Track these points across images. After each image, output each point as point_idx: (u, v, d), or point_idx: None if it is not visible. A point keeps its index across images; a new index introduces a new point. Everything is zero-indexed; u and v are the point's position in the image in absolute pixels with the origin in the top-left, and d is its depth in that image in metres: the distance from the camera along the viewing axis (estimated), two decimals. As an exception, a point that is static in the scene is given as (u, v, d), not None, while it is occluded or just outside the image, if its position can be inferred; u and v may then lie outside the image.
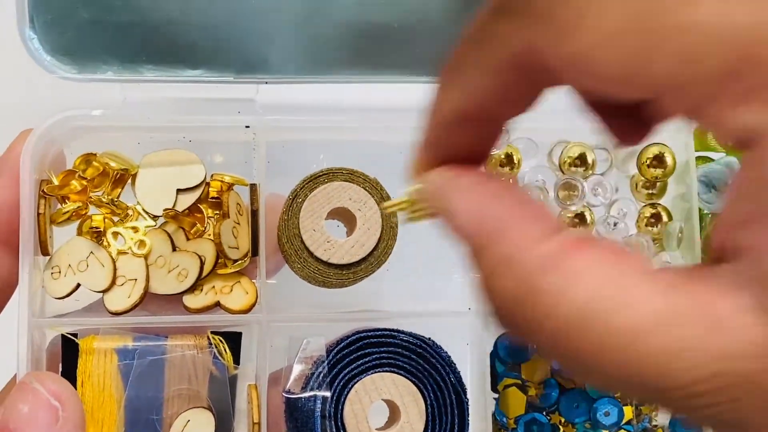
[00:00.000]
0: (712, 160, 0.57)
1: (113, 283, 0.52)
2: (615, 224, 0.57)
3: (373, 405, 0.52)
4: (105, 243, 0.54)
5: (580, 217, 0.57)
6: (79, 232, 0.54)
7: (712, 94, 0.27)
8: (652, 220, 0.57)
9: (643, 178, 0.57)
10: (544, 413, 0.54)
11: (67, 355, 0.52)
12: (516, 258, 0.30)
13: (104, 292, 0.52)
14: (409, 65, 0.56)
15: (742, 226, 0.27)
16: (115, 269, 0.53)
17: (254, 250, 0.54)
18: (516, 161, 0.57)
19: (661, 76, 0.27)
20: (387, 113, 0.55)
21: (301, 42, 0.55)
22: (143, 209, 0.54)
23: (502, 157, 0.57)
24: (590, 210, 0.57)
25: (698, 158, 0.56)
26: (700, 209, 0.56)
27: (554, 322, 0.29)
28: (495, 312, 0.32)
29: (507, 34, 0.31)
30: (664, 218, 0.57)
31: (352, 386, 0.52)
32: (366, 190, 0.53)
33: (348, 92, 0.58)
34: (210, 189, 0.55)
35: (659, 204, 0.57)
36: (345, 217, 0.54)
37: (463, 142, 0.35)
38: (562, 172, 0.57)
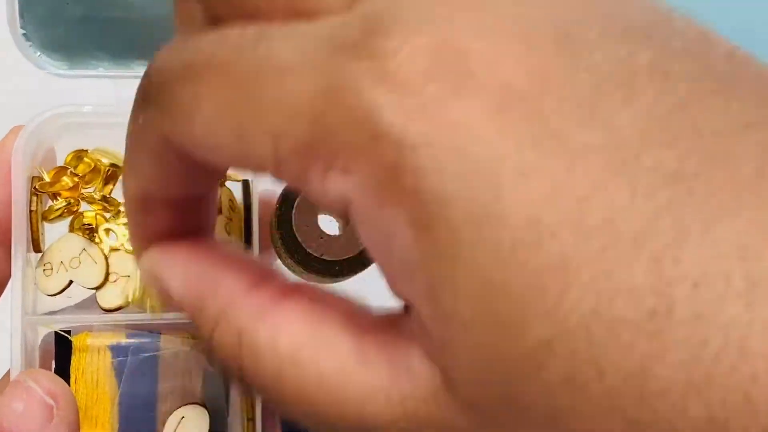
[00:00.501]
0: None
1: (106, 279, 0.52)
2: None
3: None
4: (97, 239, 0.53)
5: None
6: (71, 229, 0.54)
7: (301, 169, 0.27)
8: None
9: None
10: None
11: (60, 352, 0.52)
12: (230, 312, 0.31)
13: (97, 288, 0.52)
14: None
15: (394, 283, 0.28)
16: (107, 266, 0.52)
17: (247, 246, 0.54)
18: None
19: (261, 157, 0.28)
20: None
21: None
22: (135, 205, 0.54)
23: None
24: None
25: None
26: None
27: (267, 373, 0.30)
28: (227, 373, 0.32)
29: (146, 124, 0.33)
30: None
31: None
32: (361, 181, 0.53)
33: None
34: (203, 184, 0.55)
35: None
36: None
37: (167, 223, 0.35)
38: None
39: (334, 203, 0.27)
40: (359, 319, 0.30)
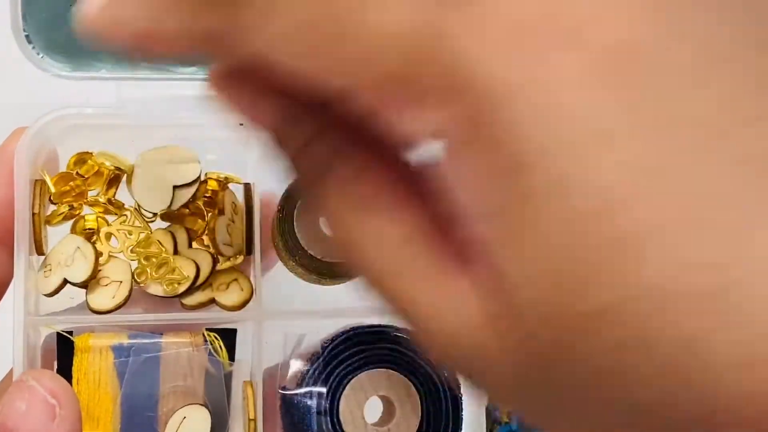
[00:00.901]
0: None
1: (93, 276, 0.52)
2: None
3: (369, 401, 0.53)
4: (97, 242, 0.54)
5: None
6: (73, 231, 0.54)
7: (381, 99, 0.26)
8: None
9: None
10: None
11: (63, 353, 0.52)
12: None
13: (85, 285, 0.53)
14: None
15: (470, 222, 0.28)
16: (97, 261, 0.52)
17: (248, 248, 0.54)
18: None
19: (339, 76, 0.27)
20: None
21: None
22: (139, 207, 0.54)
23: None
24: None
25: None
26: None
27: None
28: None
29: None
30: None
31: (348, 383, 0.52)
32: (362, 184, 0.53)
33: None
34: (206, 187, 0.55)
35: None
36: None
37: None
38: None
39: (414, 135, 0.27)
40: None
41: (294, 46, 0.27)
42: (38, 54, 0.53)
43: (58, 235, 0.54)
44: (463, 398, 0.54)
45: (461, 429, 0.53)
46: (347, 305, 0.56)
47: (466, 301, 0.28)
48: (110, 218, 0.55)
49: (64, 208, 0.54)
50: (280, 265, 0.56)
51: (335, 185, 0.31)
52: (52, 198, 0.53)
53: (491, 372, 0.28)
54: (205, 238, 0.55)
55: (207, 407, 0.52)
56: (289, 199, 0.53)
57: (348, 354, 0.53)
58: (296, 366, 0.54)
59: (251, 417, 0.52)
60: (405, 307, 0.29)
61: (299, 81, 0.28)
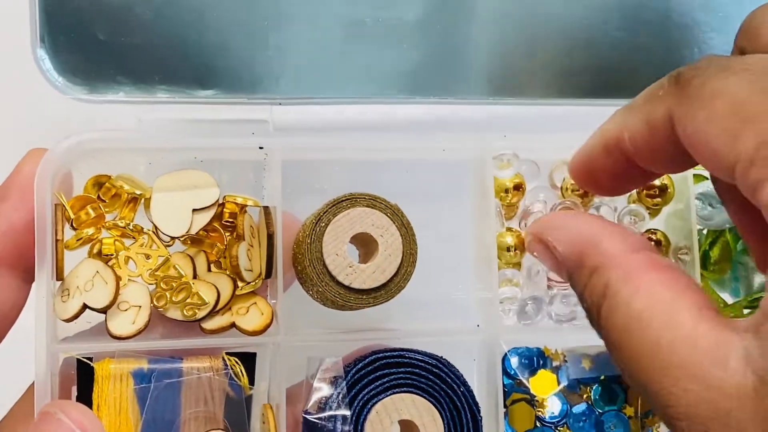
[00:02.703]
0: (706, 178, 0.59)
1: (114, 300, 0.52)
2: None
3: (393, 425, 0.53)
4: (115, 265, 0.53)
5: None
6: (90, 254, 0.54)
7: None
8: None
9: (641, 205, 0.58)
10: (553, 427, 0.56)
11: (83, 379, 0.52)
12: (604, 268, 0.39)
13: (105, 310, 0.52)
14: (421, 88, 0.57)
15: None
16: (117, 287, 0.52)
17: (268, 272, 0.54)
18: (522, 187, 0.59)
19: (738, 156, 0.35)
20: (402, 133, 0.56)
21: (315, 62, 0.55)
22: (157, 231, 0.54)
23: (509, 185, 0.58)
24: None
25: (695, 175, 0.58)
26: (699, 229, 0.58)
27: (617, 324, 0.37)
28: (587, 315, 0.40)
29: (663, 96, 0.40)
30: (663, 243, 0.58)
31: (372, 407, 0.53)
32: (388, 216, 0.54)
33: (363, 112, 0.58)
34: (224, 210, 0.55)
35: (658, 230, 0.59)
36: (365, 242, 0.54)
37: (607, 167, 0.45)
38: (563, 196, 0.59)
39: None
40: (708, 311, 0.35)
41: (708, 130, 0.36)
42: (57, 77, 0.53)
43: (73, 257, 0.53)
44: (483, 420, 0.54)
45: (482, 451, 0.54)
46: (363, 327, 0.56)
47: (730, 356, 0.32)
48: (127, 242, 0.54)
49: (83, 233, 0.53)
50: (296, 286, 0.56)
51: None
52: (73, 224, 0.52)
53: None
54: (223, 261, 0.55)
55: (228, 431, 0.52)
56: (318, 224, 0.53)
57: (371, 378, 0.53)
58: (318, 390, 0.54)
59: (273, 438, 0.52)
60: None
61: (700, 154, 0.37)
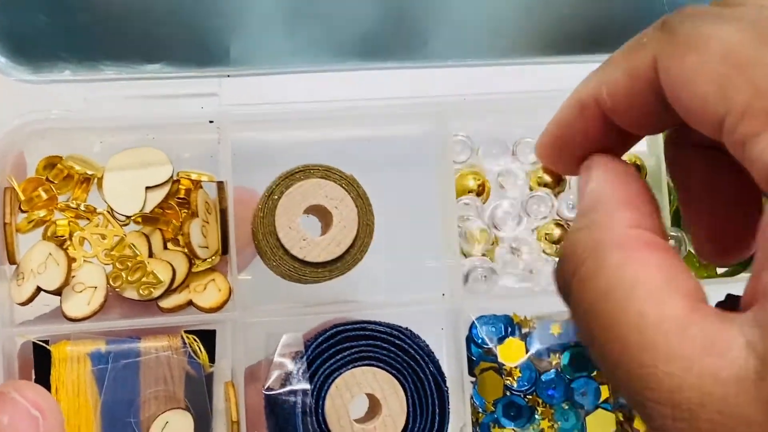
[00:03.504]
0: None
1: (66, 281, 0.52)
2: None
3: (354, 399, 0.52)
4: (70, 247, 0.53)
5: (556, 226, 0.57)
6: (44, 237, 0.53)
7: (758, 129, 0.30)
8: None
9: None
10: (522, 395, 0.55)
11: (40, 363, 0.51)
12: (603, 225, 0.36)
13: (59, 291, 0.52)
14: (373, 53, 0.56)
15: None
16: (70, 268, 0.52)
17: (224, 248, 0.53)
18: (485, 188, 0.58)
19: (728, 105, 0.32)
20: (355, 104, 0.55)
21: (265, 33, 0.54)
22: (111, 211, 0.53)
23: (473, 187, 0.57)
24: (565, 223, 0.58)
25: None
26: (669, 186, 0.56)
27: (592, 285, 0.34)
28: (559, 270, 0.36)
29: (647, 43, 0.37)
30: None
31: (332, 381, 0.52)
32: (343, 187, 0.53)
33: (312, 85, 0.57)
34: (179, 187, 0.54)
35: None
36: (321, 213, 0.53)
37: (579, 135, 0.41)
38: (532, 182, 0.58)
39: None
40: (697, 302, 0.32)
41: (695, 77, 0.34)
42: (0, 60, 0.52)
43: (28, 241, 0.53)
44: (448, 392, 0.53)
45: (448, 422, 0.53)
46: (327, 301, 0.55)
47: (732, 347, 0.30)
48: (82, 223, 0.54)
49: (35, 215, 0.53)
50: (257, 261, 0.55)
51: None
52: (22, 206, 0.52)
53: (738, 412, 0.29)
54: (180, 238, 0.54)
55: (189, 411, 0.52)
56: (270, 197, 0.52)
57: (332, 352, 0.52)
58: (279, 366, 0.53)
59: (234, 419, 0.52)
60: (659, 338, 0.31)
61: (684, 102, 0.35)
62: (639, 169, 0.56)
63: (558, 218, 0.58)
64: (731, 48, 0.33)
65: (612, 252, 0.34)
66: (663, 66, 0.36)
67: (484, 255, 0.57)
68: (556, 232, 0.57)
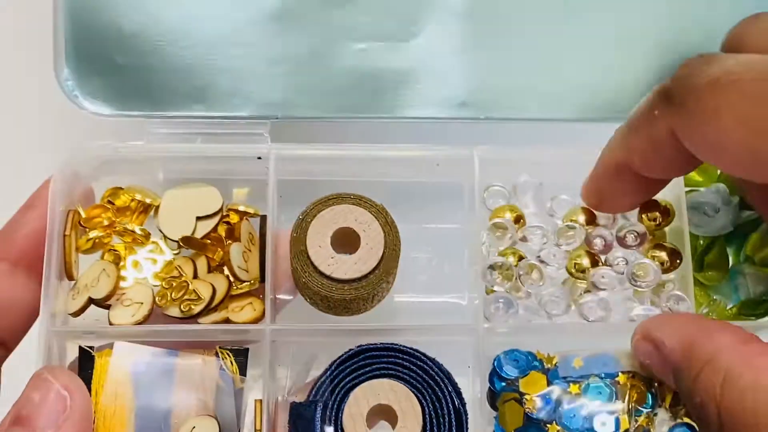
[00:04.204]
0: (699, 190, 0.60)
1: (114, 290, 0.56)
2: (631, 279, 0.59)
3: (372, 410, 0.53)
4: (123, 268, 0.58)
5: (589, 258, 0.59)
6: (102, 258, 0.58)
7: None
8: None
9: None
10: (542, 424, 0.55)
11: (83, 366, 0.55)
12: (719, 357, 0.42)
13: (107, 301, 0.56)
14: (412, 106, 0.60)
15: None
16: (118, 279, 0.57)
17: (262, 275, 0.57)
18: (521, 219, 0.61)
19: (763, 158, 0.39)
20: (393, 148, 0.60)
21: (309, 85, 0.60)
22: (163, 236, 0.58)
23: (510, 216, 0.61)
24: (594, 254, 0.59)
25: (687, 191, 0.59)
26: (690, 233, 0.58)
27: (746, 407, 0.40)
28: (695, 406, 0.44)
29: (660, 117, 0.44)
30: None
31: (351, 393, 0.53)
32: (372, 213, 0.56)
33: (354, 133, 0.62)
34: (228, 219, 0.59)
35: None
36: (350, 237, 0.57)
37: (618, 189, 0.50)
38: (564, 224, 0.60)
39: None
40: None
41: (724, 144, 0.41)
42: (79, 97, 0.59)
43: (88, 262, 0.58)
44: (468, 417, 0.54)
45: (465, 441, 0.54)
46: (358, 326, 0.58)
47: None
48: (137, 248, 0.59)
49: (95, 234, 0.58)
50: (297, 298, 0.59)
51: None
52: (82, 222, 0.57)
53: None
54: (225, 264, 0.58)
55: (216, 419, 0.54)
56: (304, 219, 0.56)
57: (354, 368, 0.54)
58: (307, 381, 0.55)
59: (258, 429, 0.54)
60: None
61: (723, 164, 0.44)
62: (669, 213, 0.58)
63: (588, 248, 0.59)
64: (742, 117, 0.40)
65: (744, 372, 0.41)
66: (683, 136, 0.42)
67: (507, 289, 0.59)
68: (585, 261, 0.58)
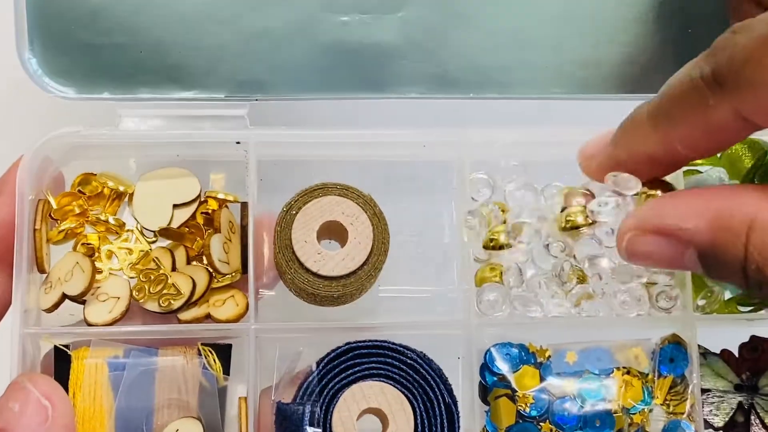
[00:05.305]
0: (700, 172, 0.58)
1: (89, 287, 0.53)
2: None
3: (362, 413, 0.52)
4: (98, 259, 0.55)
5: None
6: (74, 249, 0.55)
7: None
8: None
9: None
10: (535, 422, 0.54)
11: (59, 366, 0.53)
12: (760, 216, 0.38)
13: (82, 297, 0.53)
14: (397, 83, 0.57)
15: None
16: (94, 275, 0.54)
17: (244, 266, 0.55)
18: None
19: None
20: (377, 130, 0.57)
21: (290, 62, 0.57)
22: (140, 227, 0.56)
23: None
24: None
25: (685, 171, 0.57)
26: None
27: None
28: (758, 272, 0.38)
29: (717, 104, 0.39)
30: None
31: (341, 395, 0.52)
32: (359, 205, 0.54)
33: (338, 111, 0.59)
34: (206, 207, 0.56)
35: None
36: (337, 231, 0.54)
37: (643, 171, 0.45)
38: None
39: None
40: None
41: None
42: (44, 78, 0.55)
43: (59, 254, 0.55)
44: (459, 415, 0.53)
45: (456, 442, 0.53)
46: (345, 322, 0.56)
47: None
48: (111, 237, 0.56)
49: (66, 225, 0.55)
50: (281, 286, 0.56)
51: None
52: (53, 214, 0.54)
53: None
54: (204, 256, 0.56)
55: (200, 420, 0.52)
56: (288, 212, 0.53)
57: (343, 368, 0.53)
58: (293, 380, 0.53)
59: (243, 428, 0.52)
60: None
61: None
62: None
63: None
64: None
65: None
66: (754, 113, 0.38)
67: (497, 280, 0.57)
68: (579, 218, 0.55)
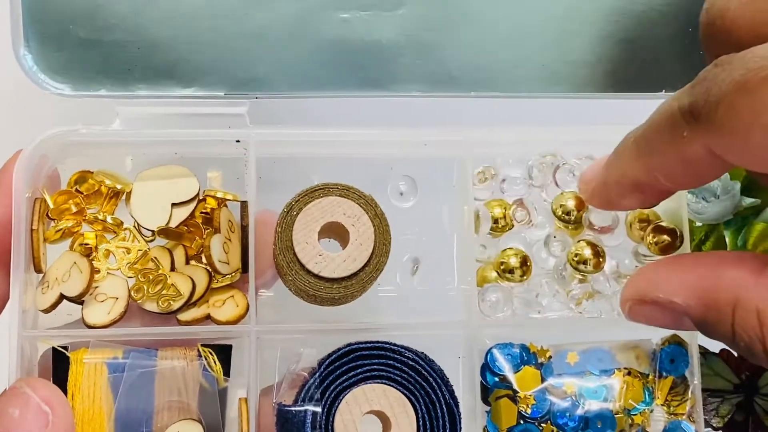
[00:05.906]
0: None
1: (88, 288, 0.53)
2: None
3: (364, 415, 0.52)
4: (95, 259, 0.54)
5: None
6: (71, 248, 0.55)
7: None
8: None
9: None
10: (536, 423, 0.54)
11: (58, 368, 0.52)
12: (744, 296, 0.38)
13: (80, 298, 0.53)
14: (398, 81, 0.57)
15: None
16: (92, 275, 0.53)
17: (244, 266, 0.54)
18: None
19: None
20: (377, 129, 0.56)
21: (290, 60, 0.56)
22: (138, 225, 0.55)
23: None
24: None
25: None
26: (690, 221, 0.56)
27: None
28: (746, 348, 0.39)
29: (690, 138, 0.39)
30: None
31: (343, 397, 0.52)
32: (360, 206, 0.53)
33: (338, 108, 0.59)
34: (205, 205, 0.56)
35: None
36: (338, 232, 0.54)
37: (633, 201, 0.46)
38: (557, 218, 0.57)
39: None
40: None
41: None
42: (39, 75, 0.54)
43: (58, 253, 0.54)
44: (461, 417, 0.53)
45: (459, 445, 0.53)
46: (346, 324, 0.55)
47: None
48: (109, 236, 0.55)
49: (63, 224, 0.54)
50: (280, 284, 0.56)
51: None
52: (50, 213, 0.54)
53: None
54: (203, 256, 0.55)
55: (201, 422, 0.52)
56: (289, 213, 0.53)
57: (344, 369, 0.52)
58: (294, 381, 0.53)
59: (244, 430, 0.52)
60: None
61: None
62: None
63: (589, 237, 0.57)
64: None
65: None
66: (724, 152, 0.38)
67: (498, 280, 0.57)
68: (587, 252, 0.56)
